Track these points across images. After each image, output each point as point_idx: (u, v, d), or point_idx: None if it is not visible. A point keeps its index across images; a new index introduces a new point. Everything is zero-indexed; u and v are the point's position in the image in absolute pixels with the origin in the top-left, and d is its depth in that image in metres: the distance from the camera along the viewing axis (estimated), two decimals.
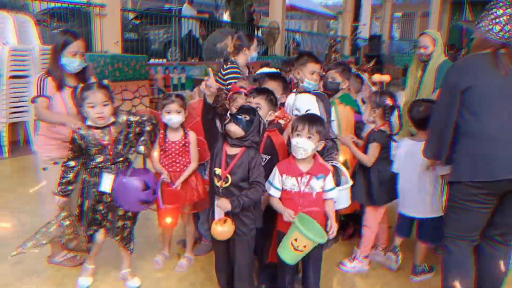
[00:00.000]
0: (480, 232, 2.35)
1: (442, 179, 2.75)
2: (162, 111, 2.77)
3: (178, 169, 2.82)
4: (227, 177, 2.26)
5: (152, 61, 8.95)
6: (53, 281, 2.83)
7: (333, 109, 3.21)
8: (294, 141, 2.28)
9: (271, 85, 2.87)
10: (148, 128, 2.68)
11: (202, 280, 2.88)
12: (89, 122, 2.52)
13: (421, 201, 2.83)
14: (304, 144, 2.26)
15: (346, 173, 2.72)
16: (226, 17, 13.66)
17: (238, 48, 3.94)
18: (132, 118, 2.63)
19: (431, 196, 2.81)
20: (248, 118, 2.20)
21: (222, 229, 2.21)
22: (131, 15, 10.64)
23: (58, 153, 2.80)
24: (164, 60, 9.87)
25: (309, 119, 2.31)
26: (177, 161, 2.82)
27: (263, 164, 2.42)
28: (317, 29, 22.61)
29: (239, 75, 3.68)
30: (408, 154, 2.82)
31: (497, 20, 2.24)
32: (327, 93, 3.21)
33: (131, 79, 7.23)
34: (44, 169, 2.84)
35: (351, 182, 2.72)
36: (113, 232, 2.67)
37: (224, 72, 3.80)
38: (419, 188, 2.81)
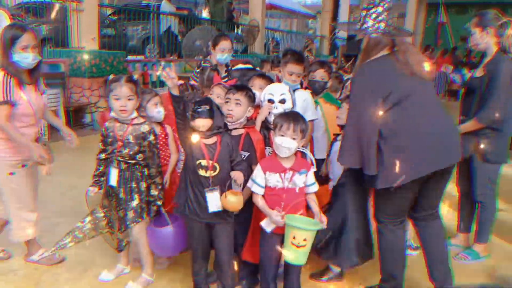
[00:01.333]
0: (407, 212, 2.55)
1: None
2: (146, 106, 2.75)
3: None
4: (215, 166, 2.31)
5: (130, 57, 8.85)
6: (30, 279, 2.80)
7: (318, 108, 3.26)
8: (279, 140, 2.28)
9: (259, 82, 2.90)
10: (158, 181, 2.65)
11: (181, 276, 2.88)
12: (113, 114, 2.54)
13: None
14: (289, 144, 2.27)
15: (312, 159, 2.76)
16: (205, 14, 13.61)
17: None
18: (151, 138, 2.58)
19: None
20: (208, 107, 2.27)
21: (237, 199, 2.27)
22: (108, 11, 10.47)
23: (25, 154, 2.64)
24: (142, 57, 9.76)
25: (293, 118, 2.32)
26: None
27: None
28: (296, 28, 22.71)
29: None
30: None
31: (380, 18, 2.31)
32: (309, 90, 3.26)
33: (109, 75, 7.13)
34: (11, 174, 2.65)
35: (314, 169, 2.77)
36: (113, 226, 2.66)
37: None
38: None
